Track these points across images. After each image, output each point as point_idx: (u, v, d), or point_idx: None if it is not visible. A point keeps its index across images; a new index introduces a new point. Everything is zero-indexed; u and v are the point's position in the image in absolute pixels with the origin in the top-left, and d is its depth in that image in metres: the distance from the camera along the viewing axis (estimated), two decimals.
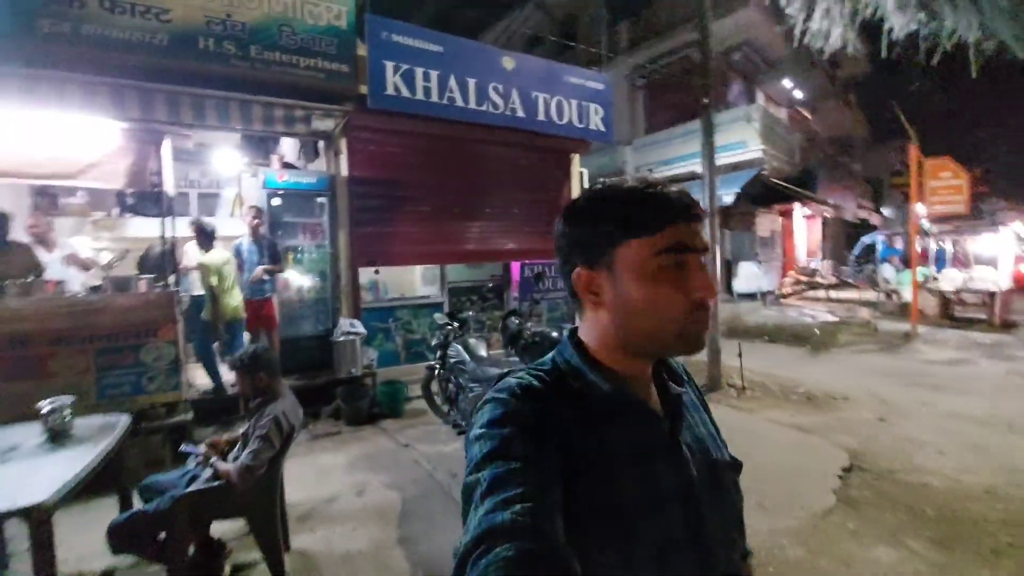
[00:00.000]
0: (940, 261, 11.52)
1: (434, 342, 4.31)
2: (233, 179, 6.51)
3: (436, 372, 4.33)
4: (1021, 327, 9.03)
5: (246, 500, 2.34)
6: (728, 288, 11.56)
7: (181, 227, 4.50)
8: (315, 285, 5.51)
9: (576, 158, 7.11)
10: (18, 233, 4.20)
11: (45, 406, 2.30)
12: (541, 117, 6.31)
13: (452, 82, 5.65)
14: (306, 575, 2.54)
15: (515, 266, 6.39)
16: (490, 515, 0.50)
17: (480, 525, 0.50)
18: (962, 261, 10.70)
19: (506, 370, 3.13)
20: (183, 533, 2.23)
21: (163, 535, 2.19)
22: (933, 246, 11.75)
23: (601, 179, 0.80)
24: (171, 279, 4.23)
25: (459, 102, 5.71)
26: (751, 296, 11.50)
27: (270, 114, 4.63)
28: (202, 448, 2.42)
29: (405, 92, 5.35)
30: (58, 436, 2.29)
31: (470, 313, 4.56)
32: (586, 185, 7.32)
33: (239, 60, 4.50)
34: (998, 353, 7.29)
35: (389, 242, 5.67)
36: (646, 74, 13.07)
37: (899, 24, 1.72)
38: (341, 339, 4.84)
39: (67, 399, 2.37)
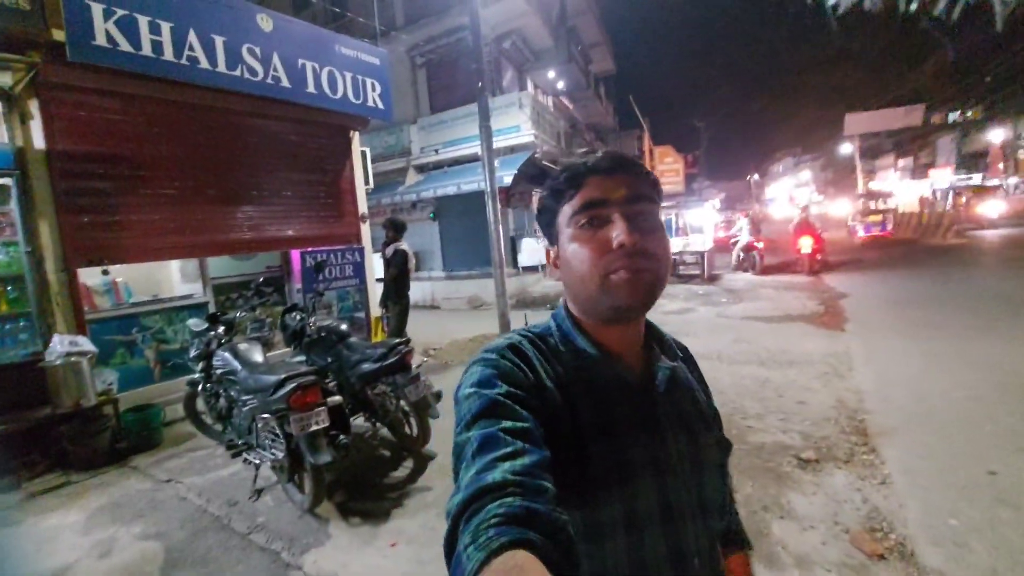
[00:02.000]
0: (668, 230, 14.36)
1: (193, 352, 3.63)
2: None
3: (201, 387, 3.67)
4: (721, 278, 11.88)
5: None
6: (514, 262, 12.47)
7: None
8: (6, 296, 4.14)
9: (356, 136, 6.70)
10: None
11: None
12: (311, 89, 5.71)
13: (193, 38, 4.69)
14: None
15: (295, 255, 5.78)
16: (481, 474, 0.50)
17: (471, 484, 0.50)
18: (683, 230, 13.47)
19: (283, 375, 2.75)
20: None
21: None
22: (663, 218, 14.59)
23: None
24: None
25: (205, 63, 4.79)
26: (534, 269, 12.63)
27: None
28: None
29: (125, 45, 4.26)
30: None
31: (240, 313, 3.95)
32: (369, 165, 6.98)
33: None
34: (710, 300, 9.45)
35: (122, 233, 4.54)
36: (425, 52, 12.99)
37: None
38: (58, 363, 3.74)
39: None
